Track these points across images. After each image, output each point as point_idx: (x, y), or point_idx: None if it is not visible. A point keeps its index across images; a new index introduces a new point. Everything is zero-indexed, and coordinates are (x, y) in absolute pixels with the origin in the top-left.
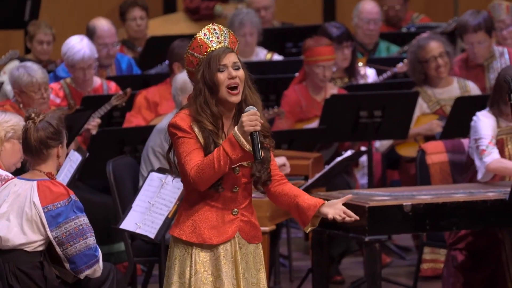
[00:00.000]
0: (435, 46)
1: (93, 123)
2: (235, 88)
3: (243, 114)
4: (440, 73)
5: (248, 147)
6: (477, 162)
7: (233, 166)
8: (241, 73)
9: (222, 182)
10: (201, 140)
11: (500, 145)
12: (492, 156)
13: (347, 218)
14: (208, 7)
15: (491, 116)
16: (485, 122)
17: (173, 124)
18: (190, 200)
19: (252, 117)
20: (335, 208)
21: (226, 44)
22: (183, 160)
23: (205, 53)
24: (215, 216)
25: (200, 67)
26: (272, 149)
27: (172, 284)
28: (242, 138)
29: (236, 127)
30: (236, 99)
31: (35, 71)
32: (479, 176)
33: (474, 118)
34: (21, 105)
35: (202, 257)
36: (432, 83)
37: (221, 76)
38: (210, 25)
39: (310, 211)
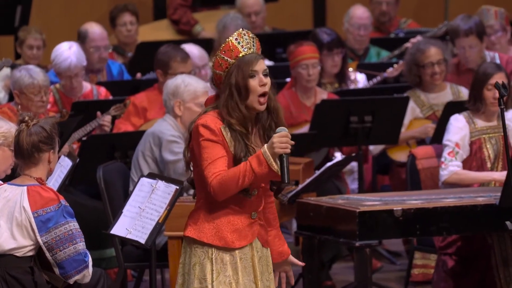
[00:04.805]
0: (434, 53)
1: (85, 131)
2: (264, 95)
3: (274, 135)
4: (435, 80)
5: (275, 167)
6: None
7: (255, 182)
8: (269, 81)
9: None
10: (229, 143)
11: (478, 145)
12: (449, 170)
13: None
14: (189, 23)
15: (462, 119)
16: (453, 127)
17: (204, 124)
18: (209, 202)
19: (283, 139)
20: (283, 269)
21: (254, 50)
22: (205, 165)
23: (235, 57)
24: (238, 220)
25: (231, 70)
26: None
27: None
28: (271, 158)
29: (266, 146)
30: (263, 107)
31: (37, 73)
32: (439, 184)
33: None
34: (19, 108)
35: (222, 261)
36: (425, 87)
37: (253, 83)
38: (241, 30)
39: (276, 258)
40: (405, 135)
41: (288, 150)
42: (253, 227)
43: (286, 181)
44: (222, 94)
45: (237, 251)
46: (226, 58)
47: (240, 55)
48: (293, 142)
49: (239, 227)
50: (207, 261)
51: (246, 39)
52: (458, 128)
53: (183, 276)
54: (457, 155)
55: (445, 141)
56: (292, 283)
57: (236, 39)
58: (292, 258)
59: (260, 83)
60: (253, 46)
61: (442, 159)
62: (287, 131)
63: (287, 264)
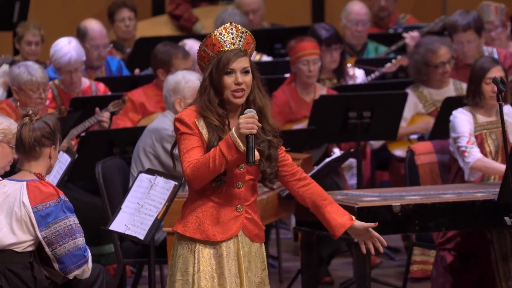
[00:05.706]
0: (445, 52)
1: (83, 127)
2: (239, 92)
3: (241, 116)
4: (445, 78)
5: (243, 148)
6: (461, 163)
7: (228, 166)
8: (248, 78)
9: (224, 177)
10: (205, 136)
11: (480, 140)
12: (473, 156)
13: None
14: (190, 20)
15: (467, 113)
16: (461, 119)
17: (179, 119)
18: (194, 196)
19: (249, 120)
20: (364, 236)
21: (240, 45)
22: (182, 156)
23: (217, 52)
24: (219, 213)
25: (210, 65)
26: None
27: (176, 282)
28: (238, 139)
29: (233, 128)
30: (240, 101)
31: (36, 70)
32: (466, 176)
33: (451, 116)
34: (17, 104)
35: (205, 254)
36: (430, 84)
37: (228, 80)
38: (228, 25)
39: (338, 231)
40: (406, 130)
41: (254, 131)
42: (238, 221)
43: (251, 161)
44: (200, 86)
45: (221, 245)
46: (207, 51)
47: (221, 50)
48: (260, 124)
49: (222, 220)
50: (190, 254)
51: (232, 34)
52: (466, 120)
53: (171, 267)
54: (474, 144)
55: (457, 134)
56: (384, 244)
57: (220, 33)
58: (362, 223)
59: (235, 81)
60: (240, 41)
61: (463, 149)
62: (254, 112)
63: (362, 232)
